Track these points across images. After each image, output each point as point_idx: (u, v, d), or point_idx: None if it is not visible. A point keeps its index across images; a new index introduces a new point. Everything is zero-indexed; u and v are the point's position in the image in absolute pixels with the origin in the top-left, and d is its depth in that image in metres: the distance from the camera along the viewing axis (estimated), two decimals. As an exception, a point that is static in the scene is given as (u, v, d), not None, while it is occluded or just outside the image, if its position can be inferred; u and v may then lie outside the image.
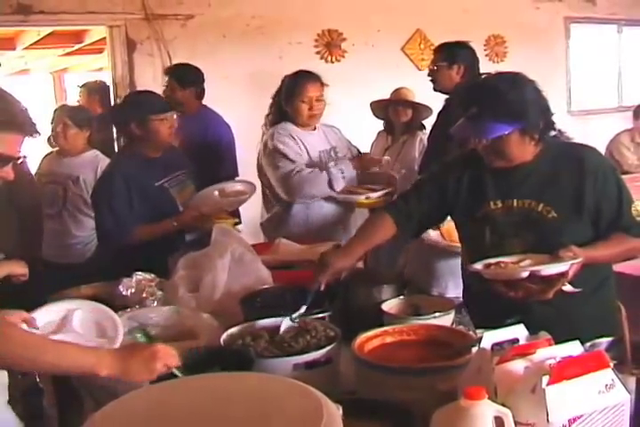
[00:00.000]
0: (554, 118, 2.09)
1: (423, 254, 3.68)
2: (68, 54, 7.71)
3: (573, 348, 1.42)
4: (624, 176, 5.59)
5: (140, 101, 3.14)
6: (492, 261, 2.00)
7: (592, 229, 2.06)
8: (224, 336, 1.86)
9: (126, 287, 2.36)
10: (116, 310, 2.08)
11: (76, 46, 7.01)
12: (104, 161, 3.83)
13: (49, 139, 3.93)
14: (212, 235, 2.47)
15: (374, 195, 3.33)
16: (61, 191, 3.86)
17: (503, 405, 1.28)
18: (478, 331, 1.79)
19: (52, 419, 1.86)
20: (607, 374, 1.33)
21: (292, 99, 3.32)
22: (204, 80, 4.33)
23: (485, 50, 6.33)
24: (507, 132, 1.99)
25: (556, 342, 1.47)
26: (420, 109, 4.34)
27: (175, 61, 4.94)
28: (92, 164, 3.87)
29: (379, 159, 3.52)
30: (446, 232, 3.09)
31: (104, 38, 5.36)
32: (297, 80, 3.34)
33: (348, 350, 1.73)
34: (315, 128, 3.42)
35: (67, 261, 3.80)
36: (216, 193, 3.17)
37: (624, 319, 2.08)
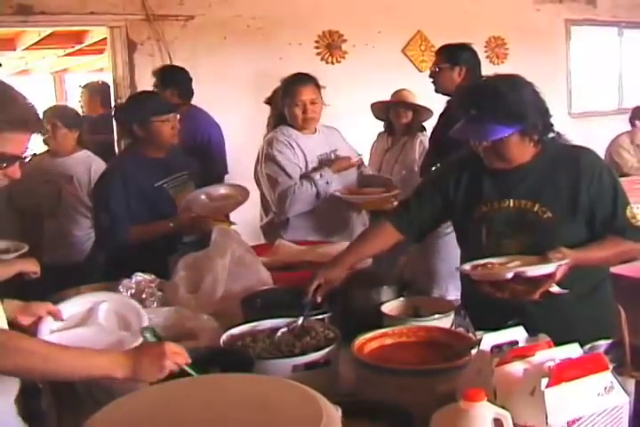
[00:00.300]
0: (552, 120, 2.10)
1: (423, 256, 3.69)
2: (69, 55, 7.71)
3: (573, 350, 1.42)
4: (624, 178, 5.60)
5: (142, 102, 3.15)
6: (481, 262, 2.02)
7: (587, 229, 2.07)
8: (224, 337, 1.86)
9: (126, 288, 2.36)
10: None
11: (77, 47, 7.02)
12: (96, 161, 3.85)
13: (44, 139, 3.94)
14: (211, 236, 2.47)
15: (381, 196, 3.32)
16: (56, 191, 3.86)
17: (502, 407, 1.28)
18: (478, 333, 1.79)
19: (51, 419, 1.86)
20: (606, 377, 1.33)
21: (285, 103, 3.30)
22: (188, 81, 4.37)
23: (486, 51, 6.33)
24: (507, 134, 2.00)
25: (554, 344, 1.47)
26: (421, 111, 4.34)
27: (176, 62, 4.95)
28: (84, 164, 3.88)
29: (351, 160, 3.44)
30: None
31: (105, 39, 5.37)
32: (289, 84, 3.31)
33: (347, 352, 1.73)
34: (315, 130, 3.40)
35: (64, 261, 3.80)
36: (203, 197, 3.15)
37: (623, 322, 2.08)
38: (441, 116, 3.64)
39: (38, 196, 3.89)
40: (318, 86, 3.32)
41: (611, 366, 1.36)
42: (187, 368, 1.54)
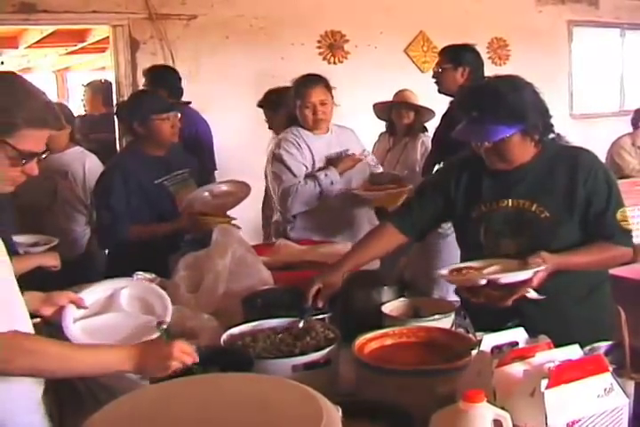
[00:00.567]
0: (553, 121, 2.10)
1: (424, 257, 3.69)
2: (71, 53, 7.72)
3: (573, 352, 1.42)
4: (625, 180, 5.60)
5: (142, 101, 3.18)
6: (461, 265, 2.04)
7: (582, 228, 2.07)
8: (224, 337, 1.87)
9: (127, 287, 2.36)
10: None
11: (79, 45, 7.03)
12: (90, 157, 3.85)
13: None
14: (212, 235, 2.47)
15: (394, 191, 3.33)
16: (52, 186, 3.87)
17: (502, 408, 1.28)
18: (478, 334, 1.80)
19: (52, 418, 1.86)
20: (606, 378, 1.33)
21: (296, 104, 3.32)
22: (177, 80, 4.39)
23: (488, 53, 6.33)
24: (508, 135, 2.00)
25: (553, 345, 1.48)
26: (423, 112, 4.35)
27: (178, 61, 4.95)
28: (79, 160, 3.87)
29: (357, 158, 3.44)
30: None
31: (107, 37, 5.38)
32: (299, 85, 3.33)
33: (347, 352, 1.73)
34: (327, 130, 3.41)
35: (66, 256, 3.80)
36: (206, 194, 3.18)
37: (624, 323, 2.08)
38: (444, 116, 3.64)
39: (36, 192, 3.89)
40: (329, 87, 3.34)
41: (611, 368, 1.36)
42: (194, 368, 1.55)
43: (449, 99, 3.59)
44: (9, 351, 1.42)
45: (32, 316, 1.71)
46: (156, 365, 1.49)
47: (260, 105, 4.10)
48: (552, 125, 2.10)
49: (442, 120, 3.68)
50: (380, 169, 3.69)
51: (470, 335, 1.81)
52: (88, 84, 5.56)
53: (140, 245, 2.88)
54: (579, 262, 2.01)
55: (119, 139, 4.94)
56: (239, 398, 1.30)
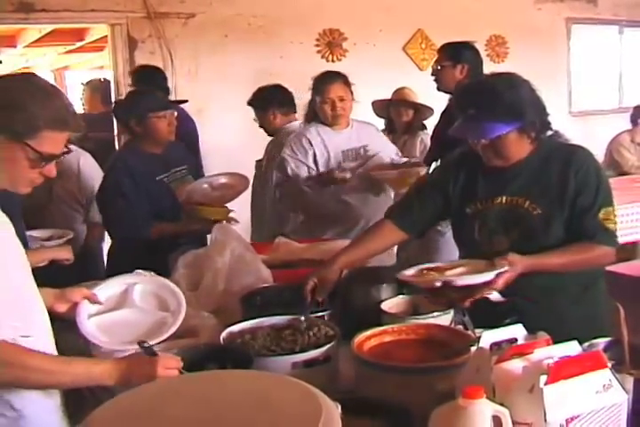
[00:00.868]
0: (551, 118, 2.11)
1: (424, 255, 3.69)
2: (70, 52, 7.71)
3: (571, 348, 1.43)
4: (624, 177, 5.59)
5: (139, 99, 3.19)
6: (432, 265, 2.05)
7: (567, 226, 2.06)
8: (224, 334, 1.87)
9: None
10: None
11: (78, 44, 7.02)
12: (84, 155, 3.84)
13: None
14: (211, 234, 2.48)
15: (405, 170, 3.38)
16: (48, 185, 3.86)
17: (501, 404, 1.28)
18: (477, 330, 1.80)
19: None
20: (605, 374, 1.34)
21: (316, 100, 3.40)
22: (163, 80, 4.42)
23: (486, 50, 6.32)
24: (505, 132, 2.01)
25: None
26: (422, 110, 4.35)
27: (176, 60, 4.95)
28: (73, 158, 3.85)
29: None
30: None
31: (105, 36, 5.38)
32: (319, 82, 3.41)
33: (347, 349, 1.73)
34: (347, 125, 3.47)
35: None
36: (205, 186, 3.20)
37: (622, 320, 2.08)
38: (443, 114, 3.65)
39: (32, 191, 3.88)
40: (348, 83, 3.43)
41: (609, 364, 1.36)
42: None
43: (448, 96, 3.60)
44: None
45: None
46: (140, 381, 1.45)
47: (250, 104, 4.10)
48: (549, 123, 2.11)
49: (441, 118, 3.68)
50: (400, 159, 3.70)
51: (469, 332, 1.82)
52: (87, 83, 5.55)
53: (140, 244, 2.89)
54: (553, 263, 2.00)
55: (117, 138, 4.94)
56: (239, 394, 1.30)
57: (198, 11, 5.24)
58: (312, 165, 3.39)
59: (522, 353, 1.40)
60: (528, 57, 6.36)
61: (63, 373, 1.49)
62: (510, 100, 1.99)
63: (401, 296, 2.12)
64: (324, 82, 3.39)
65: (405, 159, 3.68)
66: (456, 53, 3.62)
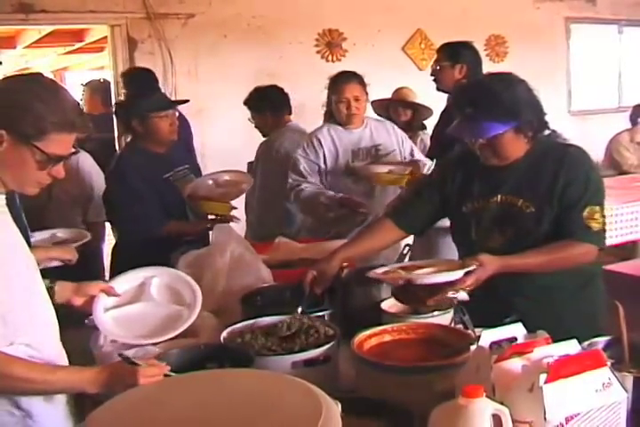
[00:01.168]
0: (548, 117, 2.11)
1: (424, 254, 3.69)
2: (69, 53, 7.73)
3: (571, 347, 1.43)
4: (624, 176, 5.57)
5: (140, 99, 3.19)
6: (407, 264, 2.07)
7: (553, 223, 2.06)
8: (224, 334, 1.87)
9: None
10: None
11: (77, 45, 7.03)
12: (83, 155, 3.84)
13: None
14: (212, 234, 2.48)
15: (397, 169, 3.37)
16: (47, 186, 3.85)
17: (501, 403, 1.28)
18: (477, 330, 1.80)
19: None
20: (604, 373, 1.34)
21: (331, 99, 3.44)
22: (153, 81, 4.39)
23: (486, 50, 6.34)
24: (502, 131, 2.02)
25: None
26: (421, 110, 4.35)
27: (176, 60, 4.96)
28: (72, 157, 3.86)
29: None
30: None
31: (105, 37, 5.39)
32: (334, 82, 3.44)
33: (347, 349, 1.73)
34: (361, 124, 3.49)
35: None
36: (210, 182, 3.22)
37: (622, 319, 2.09)
38: (442, 113, 3.65)
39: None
40: (363, 83, 3.45)
41: (609, 363, 1.37)
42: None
43: (447, 96, 3.60)
44: None
45: (62, 306, 1.74)
46: (122, 390, 1.42)
47: (246, 103, 4.11)
48: (546, 122, 2.11)
49: (440, 117, 3.68)
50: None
51: (469, 331, 1.82)
52: (87, 84, 5.56)
53: (140, 244, 2.89)
54: (528, 263, 1.99)
55: (118, 138, 4.94)
56: (239, 393, 1.31)
57: (198, 11, 5.24)
58: (323, 165, 3.44)
59: (521, 352, 1.40)
60: (527, 56, 6.36)
61: (47, 382, 1.49)
62: (507, 99, 2.00)
63: (401, 296, 2.12)
64: (340, 81, 3.42)
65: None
66: (455, 53, 3.62)
